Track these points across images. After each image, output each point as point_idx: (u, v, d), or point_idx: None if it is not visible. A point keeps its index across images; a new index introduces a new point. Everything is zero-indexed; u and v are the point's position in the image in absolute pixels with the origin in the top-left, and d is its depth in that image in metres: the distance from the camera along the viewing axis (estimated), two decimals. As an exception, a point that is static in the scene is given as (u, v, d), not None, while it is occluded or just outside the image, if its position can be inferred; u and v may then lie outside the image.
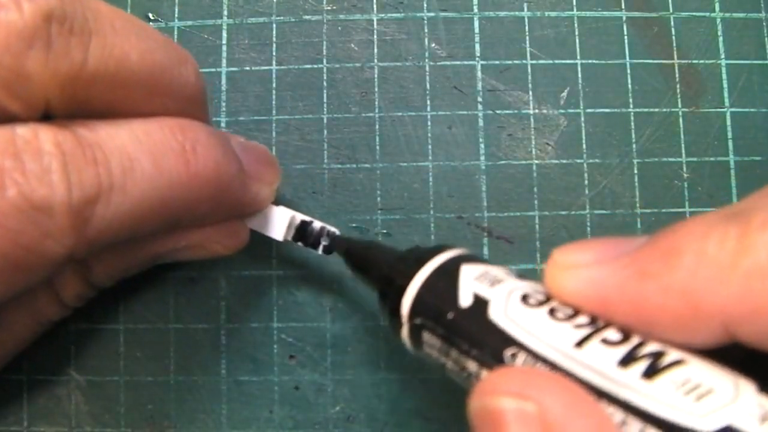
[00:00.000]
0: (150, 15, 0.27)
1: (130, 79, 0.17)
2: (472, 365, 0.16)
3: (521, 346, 0.15)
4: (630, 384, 0.13)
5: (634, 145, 0.26)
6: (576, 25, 0.27)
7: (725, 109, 0.26)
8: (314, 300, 0.25)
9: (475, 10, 0.27)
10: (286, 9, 0.27)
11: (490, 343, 0.15)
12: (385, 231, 0.26)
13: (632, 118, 0.26)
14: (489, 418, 0.14)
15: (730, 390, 0.13)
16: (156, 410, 0.25)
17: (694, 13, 0.27)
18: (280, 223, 0.23)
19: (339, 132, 0.26)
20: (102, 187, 0.15)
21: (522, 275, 0.17)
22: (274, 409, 0.25)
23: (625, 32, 0.27)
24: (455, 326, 0.16)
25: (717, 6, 0.27)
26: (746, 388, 0.13)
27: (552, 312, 0.15)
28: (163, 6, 0.27)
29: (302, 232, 0.23)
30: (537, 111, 0.26)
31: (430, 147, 0.26)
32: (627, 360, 0.14)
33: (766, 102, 0.26)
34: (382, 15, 0.27)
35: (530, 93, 0.26)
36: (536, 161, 0.26)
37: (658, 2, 0.27)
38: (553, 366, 0.14)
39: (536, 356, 0.15)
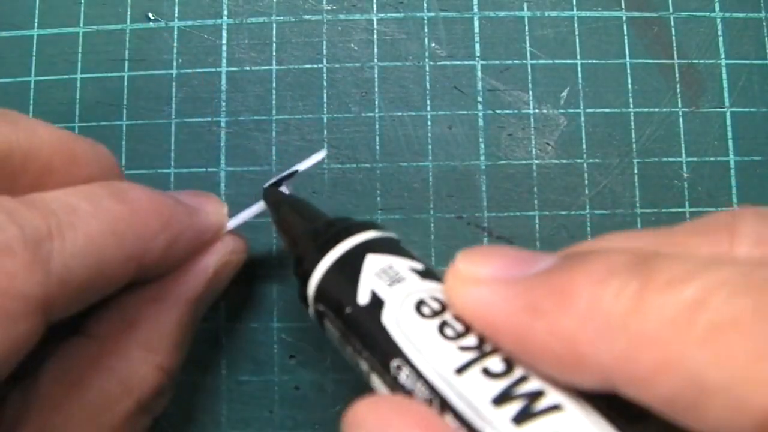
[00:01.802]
0: (150, 15, 0.27)
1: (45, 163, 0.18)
2: (363, 365, 0.16)
3: (406, 360, 0.14)
4: (499, 427, 0.13)
5: (634, 145, 0.26)
6: (576, 25, 0.27)
7: (725, 109, 0.26)
8: (314, 300, 0.25)
9: (475, 10, 0.27)
10: (286, 9, 0.27)
11: (379, 349, 0.15)
12: (385, 231, 0.26)
13: (632, 118, 0.26)
14: None
15: None
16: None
17: (694, 13, 0.27)
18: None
19: (339, 132, 0.26)
20: (50, 224, 0.16)
21: (433, 270, 0.17)
22: (274, 409, 0.25)
23: (625, 32, 0.27)
24: (351, 323, 0.16)
25: (717, 6, 0.27)
26: None
27: (442, 327, 0.15)
28: (163, 6, 0.27)
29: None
30: (537, 111, 0.26)
31: (430, 147, 0.26)
32: (502, 398, 0.13)
33: (766, 102, 0.26)
34: (382, 15, 0.27)
35: (530, 93, 0.26)
36: (536, 161, 0.26)
37: (658, 2, 0.27)
38: (432, 389, 0.14)
39: (418, 375, 0.14)
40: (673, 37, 0.27)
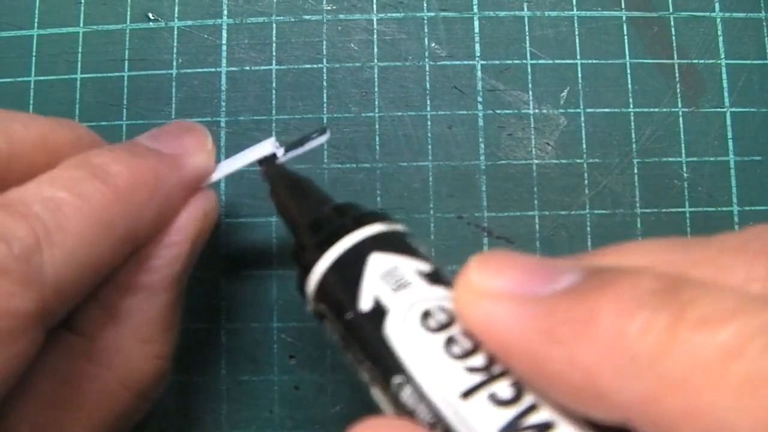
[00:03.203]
0: (150, 15, 0.27)
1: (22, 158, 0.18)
2: (363, 375, 0.15)
3: (409, 378, 0.13)
4: None
5: (634, 145, 0.26)
6: (576, 25, 0.27)
7: (725, 109, 0.26)
8: (314, 300, 0.25)
9: (475, 10, 0.27)
10: (286, 9, 0.27)
11: (381, 363, 0.14)
12: (385, 231, 0.26)
13: (632, 118, 0.26)
14: None
15: None
16: (156, 410, 0.25)
17: (694, 13, 0.27)
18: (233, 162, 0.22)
19: (339, 132, 0.26)
20: (38, 233, 0.16)
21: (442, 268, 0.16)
22: (274, 409, 0.25)
23: (625, 32, 0.27)
24: (351, 330, 0.15)
25: (717, 6, 0.27)
26: None
27: (449, 343, 0.14)
28: (162, 6, 0.27)
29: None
30: (537, 111, 0.26)
31: (430, 147, 0.26)
32: (509, 428, 0.12)
33: (766, 102, 0.26)
34: (382, 15, 0.27)
35: (530, 93, 0.26)
36: (536, 161, 0.26)
37: (658, 2, 0.27)
38: (436, 414, 0.13)
39: (422, 395, 0.13)
40: (673, 37, 0.27)
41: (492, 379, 0.13)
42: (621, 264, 0.13)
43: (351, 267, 0.16)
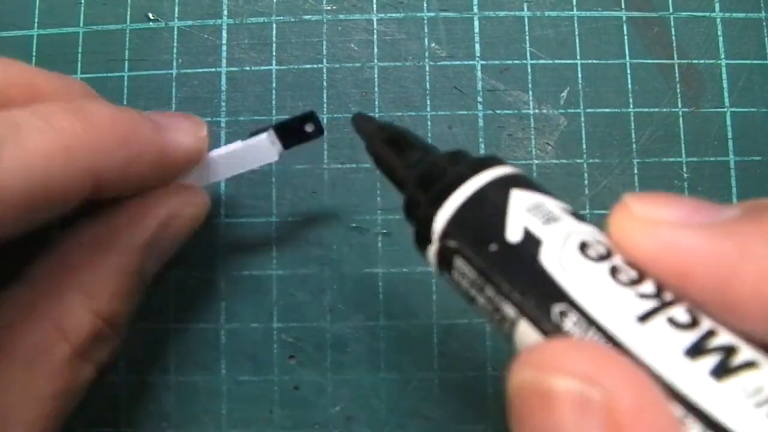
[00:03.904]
0: (150, 15, 0.27)
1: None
2: (509, 310, 0.14)
3: (574, 305, 0.13)
4: (696, 381, 0.11)
5: (634, 145, 0.26)
6: (576, 25, 0.27)
7: (725, 109, 0.26)
8: (314, 300, 0.25)
9: (475, 10, 0.27)
10: (286, 9, 0.27)
11: (537, 293, 0.13)
12: (385, 231, 0.26)
13: (632, 118, 0.26)
14: (539, 398, 0.12)
15: None
16: (156, 410, 0.25)
17: (694, 13, 0.27)
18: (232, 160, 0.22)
19: (339, 132, 0.26)
20: None
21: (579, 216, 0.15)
22: (274, 409, 0.25)
23: (625, 32, 0.27)
24: (498, 261, 0.14)
25: (717, 6, 0.27)
26: None
27: (614, 272, 0.13)
28: (163, 6, 0.27)
29: (282, 131, 0.22)
30: (537, 111, 0.26)
31: (430, 147, 0.26)
32: (695, 350, 0.12)
33: (766, 102, 0.26)
34: (382, 15, 0.27)
35: (530, 93, 0.26)
36: (536, 161, 0.26)
37: (658, 2, 0.27)
38: (610, 339, 0.12)
39: (591, 321, 0.13)
40: (673, 37, 0.27)
41: (666, 305, 0.13)
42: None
43: (492, 200, 0.15)
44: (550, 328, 0.13)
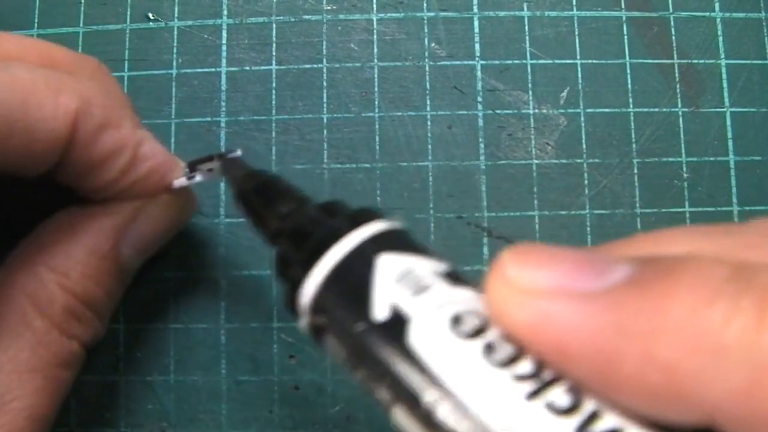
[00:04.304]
0: (150, 15, 0.27)
1: None
2: (384, 394, 0.13)
3: (446, 393, 0.12)
4: None
5: (634, 145, 0.26)
6: (576, 25, 0.27)
7: (725, 109, 0.26)
8: (314, 300, 0.25)
9: (475, 10, 0.27)
10: (286, 9, 0.27)
11: (407, 378, 0.12)
12: (385, 231, 0.26)
13: (632, 118, 0.26)
14: None
15: None
16: (156, 410, 0.25)
17: (694, 13, 0.27)
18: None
19: (339, 132, 0.26)
20: None
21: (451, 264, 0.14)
22: (274, 409, 0.25)
23: (625, 32, 0.27)
24: (364, 343, 0.13)
25: (717, 6, 0.27)
26: None
27: (488, 350, 0.12)
28: (163, 6, 0.27)
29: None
30: (537, 111, 0.26)
31: (430, 147, 0.26)
32: None
33: (766, 102, 0.26)
34: (382, 15, 0.27)
35: (530, 93, 0.26)
36: (536, 161, 0.26)
37: (658, 2, 0.27)
38: (485, 431, 0.11)
39: (465, 412, 0.11)
40: (673, 37, 0.27)
41: (545, 386, 0.11)
42: (658, 252, 0.12)
43: (356, 271, 0.14)
44: (424, 416, 0.12)
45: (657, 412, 0.11)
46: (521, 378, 0.12)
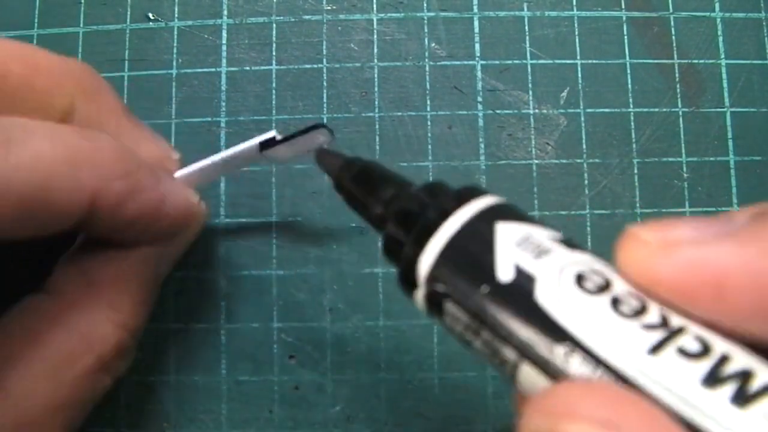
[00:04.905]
0: (150, 15, 0.27)
1: None
2: (509, 354, 0.13)
3: (578, 344, 0.12)
4: (718, 412, 0.11)
5: (634, 145, 0.26)
6: (576, 25, 0.27)
7: (725, 109, 0.26)
8: (314, 300, 0.25)
9: (475, 10, 0.27)
10: (286, 9, 0.27)
11: (537, 334, 0.13)
12: (385, 231, 0.26)
13: (632, 118, 0.26)
14: None
15: None
16: (156, 410, 0.25)
17: (694, 13, 0.27)
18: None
19: (339, 132, 0.26)
20: None
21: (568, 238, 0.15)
22: (274, 409, 0.25)
23: (625, 32, 0.27)
24: (491, 304, 0.13)
25: (717, 6, 0.27)
26: None
27: (616, 304, 0.13)
28: (163, 6, 0.27)
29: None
30: (537, 111, 0.26)
31: (430, 147, 0.26)
32: (712, 380, 0.11)
33: (766, 102, 0.26)
34: (382, 15, 0.27)
35: (530, 93, 0.26)
36: (536, 161, 0.26)
37: (658, 2, 0.27)
38: (621, 377, 0.12)
39: (598, 360, 0.12)
40: (673, 37, 0.27)
41: (673, 334, 0.12)
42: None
43: (477, 238, 0.14)
44: (554, 370, 0.13)
45: None
46: (650, 327, 0.12)
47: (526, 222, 0.15)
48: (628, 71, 0.26)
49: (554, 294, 0.13)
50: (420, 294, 0.15)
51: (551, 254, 0.14)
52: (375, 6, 0.27)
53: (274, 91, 0.26)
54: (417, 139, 0.26)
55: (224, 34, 0.27)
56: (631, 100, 0.26)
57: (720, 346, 0.12)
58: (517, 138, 0.26)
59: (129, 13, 0.27)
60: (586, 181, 0.26)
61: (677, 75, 0.27)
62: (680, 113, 0.26)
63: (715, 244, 0.12)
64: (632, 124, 0.26)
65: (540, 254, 0.14)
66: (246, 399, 0.25)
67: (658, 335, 0.12)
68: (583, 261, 0.14)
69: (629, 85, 0.26)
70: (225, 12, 0.27)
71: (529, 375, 0.13)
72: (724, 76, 0.26)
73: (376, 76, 0.27)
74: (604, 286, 0.13)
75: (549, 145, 0.26)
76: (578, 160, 0.26)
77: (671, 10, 0.27)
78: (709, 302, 0.12)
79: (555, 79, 0.26)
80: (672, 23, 0.27)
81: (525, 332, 0.13)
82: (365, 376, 0.25)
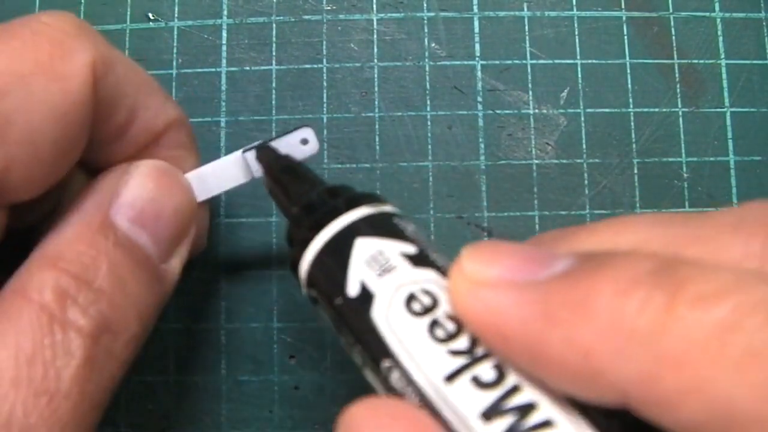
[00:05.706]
0: (150, 15, 0.27)
1: None
2: (357, 358, 0.15)
3: (397, 362, 0.14)
4: None
5: (634, 145, 0.26)
6: (576, 25, 0.27)
7: (725, 109, 0.26)
8: (314, 300, 0.25)
9: (475, 9, 0.27)
10: (286, 9, 0.27)
11: (371, 347, 0.14)
12: (385, 231, 0.26)
13: (632, 118, 0.26)
14: None
15: None
16: (156, 410, 0.25)
17: (694, 13, 0.27)
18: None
19: (339, 132, 0.26)
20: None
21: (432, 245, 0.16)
22: (273, 409, 0.25)
23: (625, 32, 0.27)
24: (341, 314, 0.15)
25: (717, 6, 0.27)
26: None
27: (432, 327, 0.14)
28: (163, 6, 0.27)
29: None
30: (537, 111, 0.26)
31: (430, 147, 0.26)
32: (491, 412, 0.12)
33: (766, 102, 0.26)
34: (382, 15, 0.27)
35: (530, 93, 0.26)
36: (536, 161, 0.26)
37: (658, 2, 0.27)
38: (422, 396, 0.13)
39: (408, 380, 0.13)
40: (673, 37, 0.27)
41: (475, 361, 0.13)
42: (615, 240, 0.14)
43: (338, 252, 0.16)
44: (382, 380, 0.14)
45: (578, 392, 0.12)
46: (456, 353, 0.13)
47: (386, 237, 0.16)
48: (628, 71, 0.26)
49: (385, 313, 0.14)
50: (304, 293, 0.17)
51: (393, 273, 0.15)
52: (375, 6, 0.27)
53: (274, 91, 0.26)
54: (417, 139, 0.26)
55: (224, 34, 0.27)
56: (631, 100, 0.26)
57: (514, 376, 0.13)
58: (517, 138, 0.26)
59: (129, 13, 0.27)
60: (586, 181, 0.26)
61: (677, 75, 0.27)
62: (680, 113, 0.26)
63: (506, 293, 0.13)
64: (632, 124, 0.26)
65: (384, 272, 0.15)
66: (246, 399, 0.25)
67: (460, 361, 0.13)
68: (421, 280, 0.15)
69: (629, 85, 0.26)
70: (225, 12, 0.27)
71: (370, 379, 0.15)
72: (724, 76, 0.26)
73: (376, 76, 0.27)
74: (430, 308, 0.14)
75: (549, 145, 0.26)
76: (578, 160, 0.26)
77: (671, 10, 0.27)
78: (499, 348, 0.13)
79: (555, 79, 0.26)
80: (672, 23, 0.27)
81: (361, 345, 0.15)
82: (365, 376, 0.25)
